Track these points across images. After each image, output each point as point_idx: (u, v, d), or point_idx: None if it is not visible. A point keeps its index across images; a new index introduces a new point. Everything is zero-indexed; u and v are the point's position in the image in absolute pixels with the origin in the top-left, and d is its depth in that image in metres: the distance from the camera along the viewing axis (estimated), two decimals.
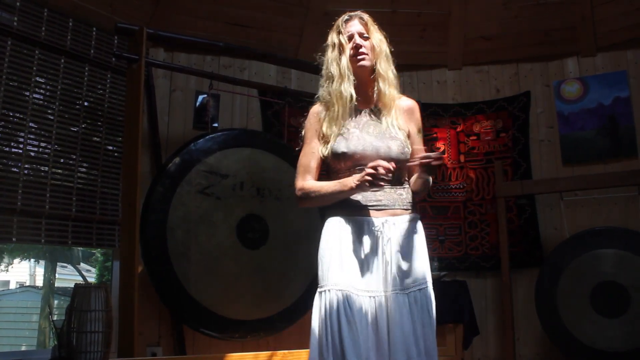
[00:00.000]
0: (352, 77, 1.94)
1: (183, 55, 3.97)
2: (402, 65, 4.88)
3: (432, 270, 4.01)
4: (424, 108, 4.39)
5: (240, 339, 3.48)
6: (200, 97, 3.96)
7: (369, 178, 1.75)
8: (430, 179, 1.93)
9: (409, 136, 1.99)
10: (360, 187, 1.79)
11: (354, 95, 1.93)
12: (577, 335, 3.56)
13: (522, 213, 4.15)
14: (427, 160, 1.77)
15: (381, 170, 1.72)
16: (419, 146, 2.01)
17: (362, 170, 1.82)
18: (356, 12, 2.03)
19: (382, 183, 1.75)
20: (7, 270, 10.37)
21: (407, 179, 1.98)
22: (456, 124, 4.41)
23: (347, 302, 1.77)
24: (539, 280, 3.74)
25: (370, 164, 1.76)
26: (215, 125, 3.91)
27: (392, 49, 2.05)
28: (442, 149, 1.85)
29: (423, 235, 1.96)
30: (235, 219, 3.47)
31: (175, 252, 3.24)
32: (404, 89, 4.42)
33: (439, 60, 4.49)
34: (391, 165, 1.74)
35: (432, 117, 4.42)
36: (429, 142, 4.36)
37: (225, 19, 4.03)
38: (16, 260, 10.26)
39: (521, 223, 4.14)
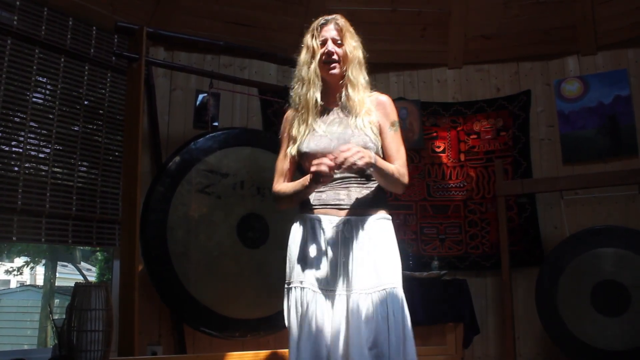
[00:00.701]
0: (319, 83, 1.97)
1: (183, 54, 3.97)
2: (402, 64, 4.88)
3: (432, 269, 4.02)
4: (424, 107, 4.39)
5: (241, 338, 3.48)
6: (201, 96, 3.96)
7: (312, 176, 1.80)
8: (381, 166, 1.85)
9: (381, 132, 1.98)
10: (313, 182, 1.83)
11: (319, 101, 1.97)
12: (577, 334, 3.56)
13: (523, 212, 4.14)
14: (320, 171, 1.77)
15: (323, 168, 1.75)
16: (393, 141, 1.98)
17: None
18: (333, 16, 2.04)
19: (326, 179, 1.79)
20: (21, 273, 10.39)
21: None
22: (456, 123, 4.40)
23: (307, 299, 1.83)
24: (539, 279, 3.74)
25: (314, 161, 1.80)
26: (216, 124, 3.91)
27: (367, 55, 2.05)
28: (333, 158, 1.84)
29: (391, 235, 1.94)
30: (236, 218, 3.47)
31: (175, 251, 3.25)
32: (404, 88, 4.46)
33: (439, 59, 4.48)
34: (334, 162, 1.75)
35: (433, 116, 4.41)
36: (429, 141, 4.36)
37: (225, 18, 4.03)
38: (21, 261, 10.27)
39: (521, 222, 4.14)
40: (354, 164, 1.75)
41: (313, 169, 1.78)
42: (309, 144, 1.95)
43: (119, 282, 3.18)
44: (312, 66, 1.97)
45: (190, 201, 3.34)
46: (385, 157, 1.97)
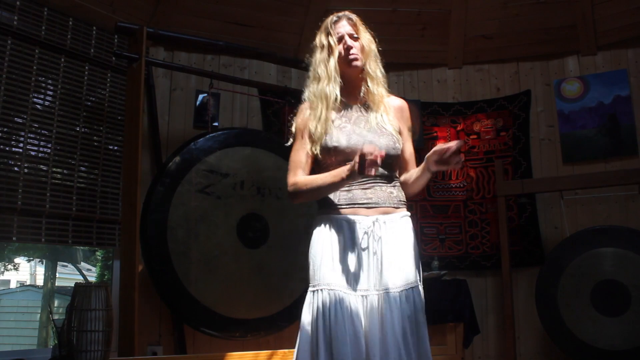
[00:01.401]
0: (338, 79, 1.95)
1: (183, 54, 3.97)
2: (402, 64, 4.87)
3: (432, 269, 4.02)
4: (424, 107, 4.39)
5: (241, 338, 3.48)
6: (201, 97, 3.95)
7: (358, 161, 1.69)
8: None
9: (400, 134, 1.99)
10: (352, 175, 1.75)
11: (339, 96, 1.94)
12: (577, 334, 3.56)
13: (523, 212, 4.15)
14: (448, 150, 1.78)
15: (375, 153, 1.66)
16: (409, 144, 2.04)
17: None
18: (344, 13, 2.03)
19: (373, 172, 1.68)
20: (17, 270, 10.37)
21: (397, 176, 1.99)
22: (456, 123, 4.40)
23: (338, 302, 1.78)
24: (539, 279, 3.74)
25: (364, 150, 1.69)
26: (216, 124, 3.91)
27: (380, 48, 2.05)
28: (461, 140, 1.83)
29: (413, 233, 1.95)
30: (236, 218, 3.47)
31: (175, 251, 3.25)
32: (404, 88, 4.46)
33: (439, 59, 4.48)
34: (381, 153, 1.69)
35: (433, 116, 4.41)
36: (429, 141, 4.36)
37: (225, 18, 4.03)
38: (19, 260, 10.26)
39: (521, 222, 4.14)
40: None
41: (363, 152, 1.67)
42: (339, 139, 1.89)
43: (119, 282, 3.18)
44: (331, 63, 1.95)
45: (190, 201, 3.34)
46: (402, 160, 2.00)
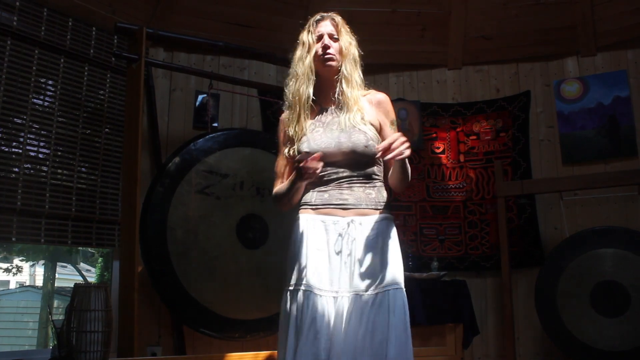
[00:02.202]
0: (313, 78, 1.96)
1: (183, 54, 3.98)
2: (401, 64, 4.88)
3: (432, 270, 4.02)
4: (424, 108, 4.40)
5: (240, 338, 3.48)
6: (200, 97, 3.96)
7: (297, 172, 1.81)
8: (406, 161, 1.83)
9: (381, 130, 1.96)
10: (296, 180, 1.86)
11: (311, 96, 1.95)
12: (577, 335, 3.56)
13: (522, 213, 4.15)
14: (388, 151, 1.71)
15: (311, 164, 1.76)
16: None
17: (326, 167, 1.88)
18: (329, 13, 2.03)
19: (313, 176, 1.80)
20: (20, 271, 10.36)
21: (378, 176, 1.96)
22: (456, 124, 4.40)
23: (307, 302, 1.78)
24: (538, 279, 3.74)
25: (299, 157, 1.82)
26: (215, 125, 3.91)
27: (362, 53, 2.04)
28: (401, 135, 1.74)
29: (394, 236, 1.91)
30: (235, 219, 3.47)
31: (175, 251, 3.25)
32: (404, 89, 4.46)
33: (438, 60, 4.48)
34: (315, 163, 1.77)
35: (432, 117, 4.42)
36: (428, 142, 4.37)
37: (225, 18, 4.03)
38: (23, 263, 10.25)
39: (521, 223, 4.14)
40: (402, 153, 1.70)
41: (301, 164, 1.78)
42: (310, 144, 1.92)
43: (118, 282, 3.18)
44: (307, 61, 1.96)
45: (190, 202, 3.34)
46: None
